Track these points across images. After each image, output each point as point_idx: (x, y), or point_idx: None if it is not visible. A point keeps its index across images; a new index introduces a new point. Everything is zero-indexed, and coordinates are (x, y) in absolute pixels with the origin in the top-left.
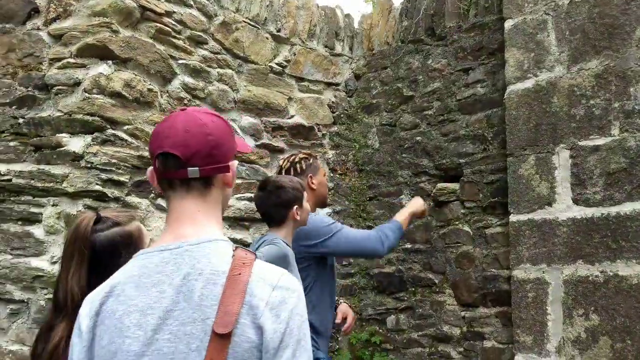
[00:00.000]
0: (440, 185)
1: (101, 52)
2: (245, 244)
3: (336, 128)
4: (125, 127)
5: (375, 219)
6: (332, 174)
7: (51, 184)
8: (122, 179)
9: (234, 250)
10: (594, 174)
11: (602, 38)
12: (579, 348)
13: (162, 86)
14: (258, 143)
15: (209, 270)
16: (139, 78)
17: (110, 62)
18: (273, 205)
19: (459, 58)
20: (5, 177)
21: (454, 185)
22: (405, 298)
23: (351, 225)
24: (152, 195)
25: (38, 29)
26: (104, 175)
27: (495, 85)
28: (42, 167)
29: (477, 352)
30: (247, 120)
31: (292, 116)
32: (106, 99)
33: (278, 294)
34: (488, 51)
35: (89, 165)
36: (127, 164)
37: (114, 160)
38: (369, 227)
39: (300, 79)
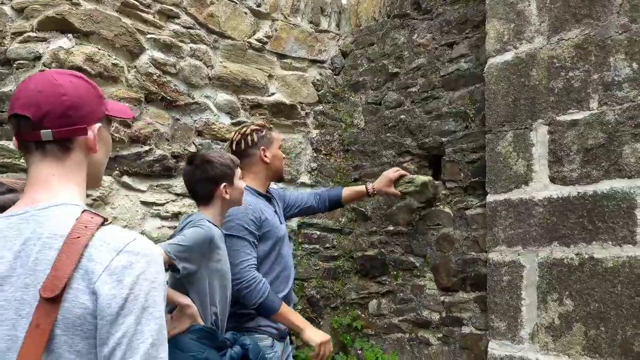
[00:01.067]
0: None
1: (61, 26)
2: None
3: (321, 107)
4: None
5: (360, 201)
6: (315, 154)
7: (10, 160)
8: None
9: (80, 214)
10: (571, 151)
11: (582, 5)
12: (552, 335)
13: (130, 61)
14: (234, 121)
15: (47, 234)
16: (102, 52)
17: (70, 35)
18: (199, 181)
19: (443, 32)
20: None
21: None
22: (387, 282)
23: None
24: (117, 172)
25: (2, 3)
26: None
27: (478, 60)
28: (2, 142)
29: (456, 339)
30: (223, 97)
31: (273, 94)
32: None
33: (122, 258)
34: (473, 24)
35: None
36: None
37: None
38: (354, 210)
39: (282, 56)
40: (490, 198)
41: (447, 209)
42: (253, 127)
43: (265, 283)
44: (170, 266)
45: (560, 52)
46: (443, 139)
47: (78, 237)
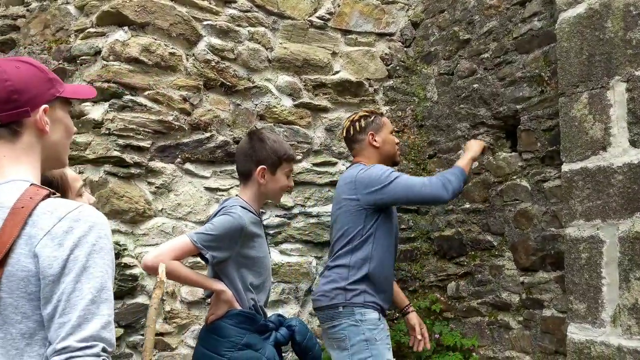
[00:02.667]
0: None
1: (117, 19)
2: (285, 208)
3: (391, 82)
4: (146, 93)
5: None
6: None
7: (76, 152)
8: (142, 144)
9: (27, 187)
10: None
11: None
12: (636, 317)
13: (187, 49)
14: (296, 102)
15: None
16: (159, 42)
17: (126, 28)
18: (243, 155)
19: None
20: None
21: None
22: (465, 263)
23: None
24: (179, 159)
25: (67, 2)
26: (121, 141)
27: (553, 16)
28: None
29: (537, 322)
30: (284, 79)
31: (337, 72)
32: (123, 65)
33: (64, 224)
34: None
35: (107, 132)
36: (147, 129)
37: (132, 126)
38: None
39: (346, 32)
40: (565, 167)
41: (524, 182)
42: (362, 113)
43: (437, 178)
44: (199, 254)
45: None
46: (518, 107)
47: (22, 207)
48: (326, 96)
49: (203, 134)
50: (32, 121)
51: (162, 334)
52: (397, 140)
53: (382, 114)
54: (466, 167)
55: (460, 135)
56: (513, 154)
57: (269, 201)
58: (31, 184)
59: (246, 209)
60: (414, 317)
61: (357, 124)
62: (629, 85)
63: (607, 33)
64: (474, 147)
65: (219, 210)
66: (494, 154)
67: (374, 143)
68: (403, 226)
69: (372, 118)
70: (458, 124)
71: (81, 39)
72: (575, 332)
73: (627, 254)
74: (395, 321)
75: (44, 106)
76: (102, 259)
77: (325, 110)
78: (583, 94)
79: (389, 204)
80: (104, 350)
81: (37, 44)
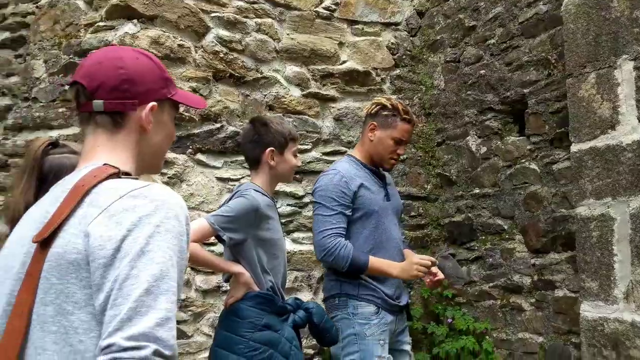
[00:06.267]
0: None
1: (126, 12)
2: (296, 197)
3: (398, 71)
4: None
5: (445, 165)
6: None
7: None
8: None
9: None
10: None
11: None
12: None
13: (196, 41)
14: (305, 92)
15: (66, 187)
16: (167, 35)
17: (135, 21)
18: (249, 142)
19: None
20: None
21: None
22: (476, 247)
23: (419, 174)
24: (190, 150)
25: None
26: None
27: (558, 0)
28: None
29: (549, 303)
30: (292, 69)
31: (344, 62)
32: None
33: (126, 201)
34: None
35: None
36: None
37: None
38: (439, 175)
39: (352, 22)
40: (574, 147)
41: (533, 165)
42: (383, 101)
43: (347, 247)
44: (216, 237)
45: None
46: (525, 91)
47: (83, 185)
48: (334, 86)
49: (213, 124)
50: (137, 116)
51: (177, 322)
52: (399, 152)
53: (397, 114)
54: (373, 268)
55: (468, 122)
56: (521, 137)
57: (280, 190)
58: (104, 164)
59: (260, 192)
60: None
61: (374, 107)
62: (637, 64)
63: (613, 12)
64: (403, 268)
65: (233, 195)
66: (502, 138)
67: (370, 135)
68: (413, 213)
69: (387, 112)
70: (465, 110)
71: (91, 33)
72: (589, 310)
73: (638, 230)
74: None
75: (152, 103)
76: (167, 243)
77: (333, 100)
78: (590, 74)
79: None
80: (157, 353)
81: (47, 40)
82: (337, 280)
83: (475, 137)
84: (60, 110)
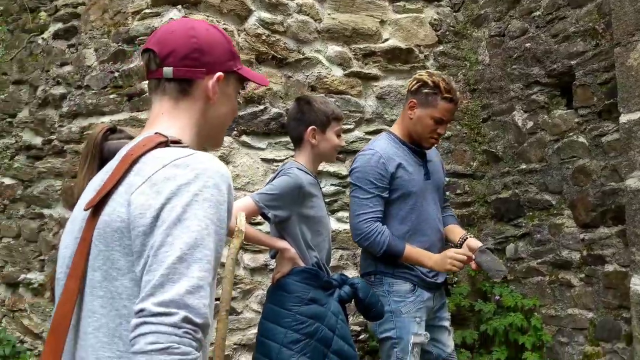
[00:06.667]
0: None
1: None
2: (339, 176)
3: (441, 47)
4: None
5: (491, 142)
6: None
7: (139, 129)
8: None
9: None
10: None
11: None
12: None
13: (239, 25)
14: (347, 72)
15: (120, 156)
16: (211, 19)
17: (180, 6)
18: (293, 120)
19: None
20: None
21: None
22: (524, 224)
23: (464, 152)
24: (235, 132)
25: None
26: None
27: None
28: (133, 114)
29: (599, 278)
30: (333, 49)
31: (386, 40)
32: None
33: (168, 170)
34: None
35: None
36: None
37: None
38: (485, 152)
39: (394, 0)
40: (623, 118)
41: (581, 139)
42: (425, 77)
43: (384, 233)
44: (262, 214)
45: None
46: (572, 62)
47: (132, 154)
48: (376, 64)
49: (257, 106)
50: (204, 85)
51: None
52: (439, 131)
53: (449, 99)
54: (408, 257)
55: (513, 96)
56: (569, 110)
57: (323, 169)
58: (156, 132)
59: (303, 170)
60: (472, 241)
61: (415, 83)
62: None
63: None
64: (435, 260)
65: (277, 174)
66: (549, 112)
67: (409, 113)
68: (459, 191)
69: (428, 89)
70: (511, 85)
71: (138, 20)
72: (639, 284)
73: None
74: (454, 285)
75: (219, 73)
76: (204, 211)
77: (375, 78)
78: (639, 42)
79: None
80: (186, 320)
81: (97, 29)
82: (372, 259)
83: (522, 111)
84: (112, 96)
